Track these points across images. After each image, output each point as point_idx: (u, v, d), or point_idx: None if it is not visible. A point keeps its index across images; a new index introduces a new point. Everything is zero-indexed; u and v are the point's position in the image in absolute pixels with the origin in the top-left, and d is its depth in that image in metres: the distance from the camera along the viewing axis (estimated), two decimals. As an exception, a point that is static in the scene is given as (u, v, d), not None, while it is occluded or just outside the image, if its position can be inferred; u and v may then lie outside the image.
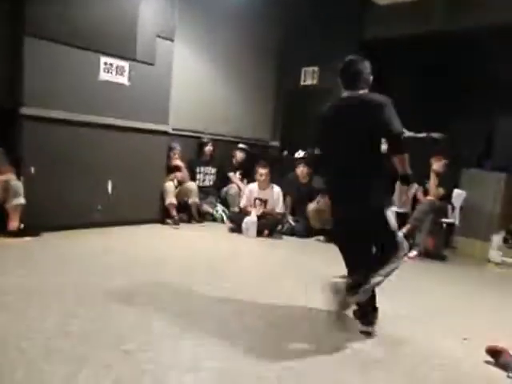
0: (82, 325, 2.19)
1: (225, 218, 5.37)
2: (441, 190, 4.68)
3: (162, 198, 4.92)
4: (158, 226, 4.82)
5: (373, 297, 2.43)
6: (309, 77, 6.49)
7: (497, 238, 4.81)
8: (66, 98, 4.02)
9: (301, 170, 5.32)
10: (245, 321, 2.46)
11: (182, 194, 5.13)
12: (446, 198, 4.74)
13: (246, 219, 4.86)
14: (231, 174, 5.83)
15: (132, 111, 4.52)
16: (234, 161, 5.93)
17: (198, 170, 5.59)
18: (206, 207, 5.44)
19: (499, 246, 4.80)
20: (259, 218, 4.87)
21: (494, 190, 5.00)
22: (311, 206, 4.97)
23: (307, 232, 5.04)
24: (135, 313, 2.41)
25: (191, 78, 5.61)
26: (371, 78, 2.50)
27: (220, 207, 5.55)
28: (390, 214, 2.43)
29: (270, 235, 4.90)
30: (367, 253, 2.50)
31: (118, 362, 1.86)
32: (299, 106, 6.47)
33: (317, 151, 2.83)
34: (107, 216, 4.42)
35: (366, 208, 2.39)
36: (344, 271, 2.57)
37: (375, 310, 2.46)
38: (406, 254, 2.62)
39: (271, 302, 2.83)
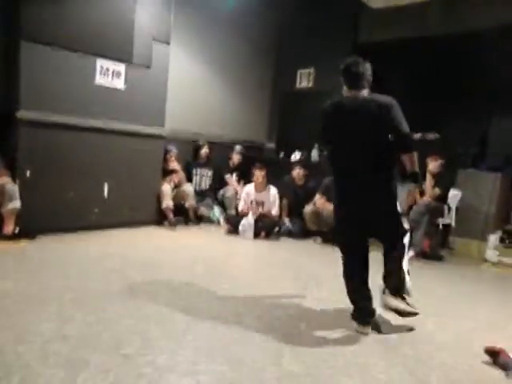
0: (80, 328, 2.18)
1: (222, 220, 5.37)
2: (437, 191, 4.68)
3: (159, 201, 4.91)
4: (155, 228, 4.81)
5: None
6: (304, 79, 6.52)
7: (493, 238, 4.82)
8: (63, 101, 4.00)
9: (297, 172, 5.32)
10: (244, 322, 2.46)
11: (178, 197, 5.11)
12: (442, 198, 4.76)
13: (243, 221, 4.86)
14: (228, 176, 5.83)
15: (128, 114, 4.51)
16: (230, 163, 5.93)
17: (194, 172, 5.59)
18: (203, 210, 5.43)
19: (496, 246, 4.81)
20: (256, 220, 4.88)
21: (489, 189, 5.01)
22: (308, 208, 4.98)
23: (304, 234, 5.06)
24: (133, 316, 2.39)
25: (187, 81, 5.63)
26: (371, 79, 2.52)
27: (217, 209, 5.54)
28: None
29: (267, 237, 4.90)
30: (368, 252, 2.56)
31: (117, 366, 1.85)
32: (295, 108, 6.50)
33: (326, 152, 2.84)
34: (104, 219, 4.41)
35: (380, 208, 2.45)
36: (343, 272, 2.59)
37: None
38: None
39: (270, 302, 2.83)
